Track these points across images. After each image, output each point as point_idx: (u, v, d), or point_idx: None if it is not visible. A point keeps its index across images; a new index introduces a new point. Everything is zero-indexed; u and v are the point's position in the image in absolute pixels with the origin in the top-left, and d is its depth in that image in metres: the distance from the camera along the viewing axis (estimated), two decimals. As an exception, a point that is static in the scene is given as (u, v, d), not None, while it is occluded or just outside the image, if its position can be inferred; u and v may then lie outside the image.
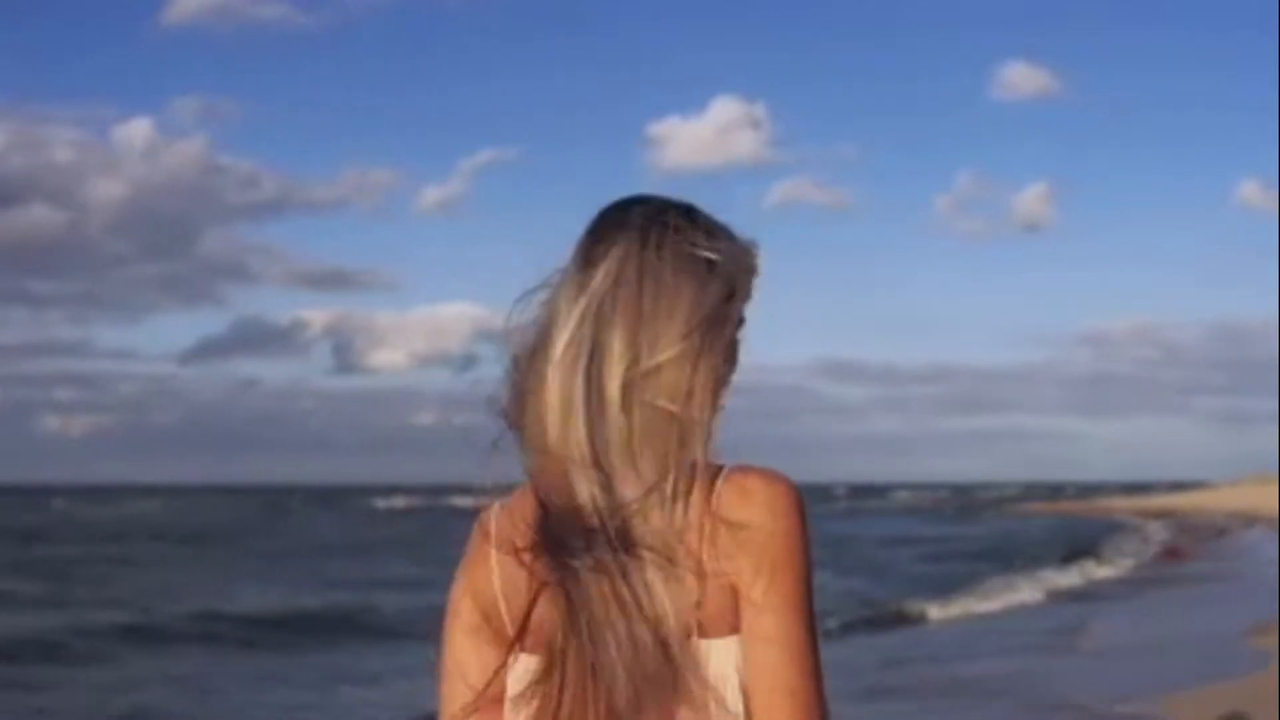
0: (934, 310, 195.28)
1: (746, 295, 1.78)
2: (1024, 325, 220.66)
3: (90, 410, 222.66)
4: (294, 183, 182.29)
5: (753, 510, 1.66)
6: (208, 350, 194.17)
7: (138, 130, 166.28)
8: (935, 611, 19.10)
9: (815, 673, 1.66)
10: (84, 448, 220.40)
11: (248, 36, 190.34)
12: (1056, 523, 56.10)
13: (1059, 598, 20.63)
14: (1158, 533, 44.13)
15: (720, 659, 1.67)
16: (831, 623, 16.77)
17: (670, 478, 1.67)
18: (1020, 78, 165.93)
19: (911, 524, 56.91)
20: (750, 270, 1.79)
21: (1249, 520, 53.08)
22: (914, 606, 19.33)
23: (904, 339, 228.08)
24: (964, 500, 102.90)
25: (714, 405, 1.72)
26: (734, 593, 1.66)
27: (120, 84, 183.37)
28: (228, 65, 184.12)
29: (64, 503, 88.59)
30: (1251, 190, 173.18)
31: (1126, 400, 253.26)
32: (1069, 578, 24.06)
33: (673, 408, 1.68)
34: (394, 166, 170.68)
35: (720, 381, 1.73)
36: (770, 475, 1.70)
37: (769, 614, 1.65)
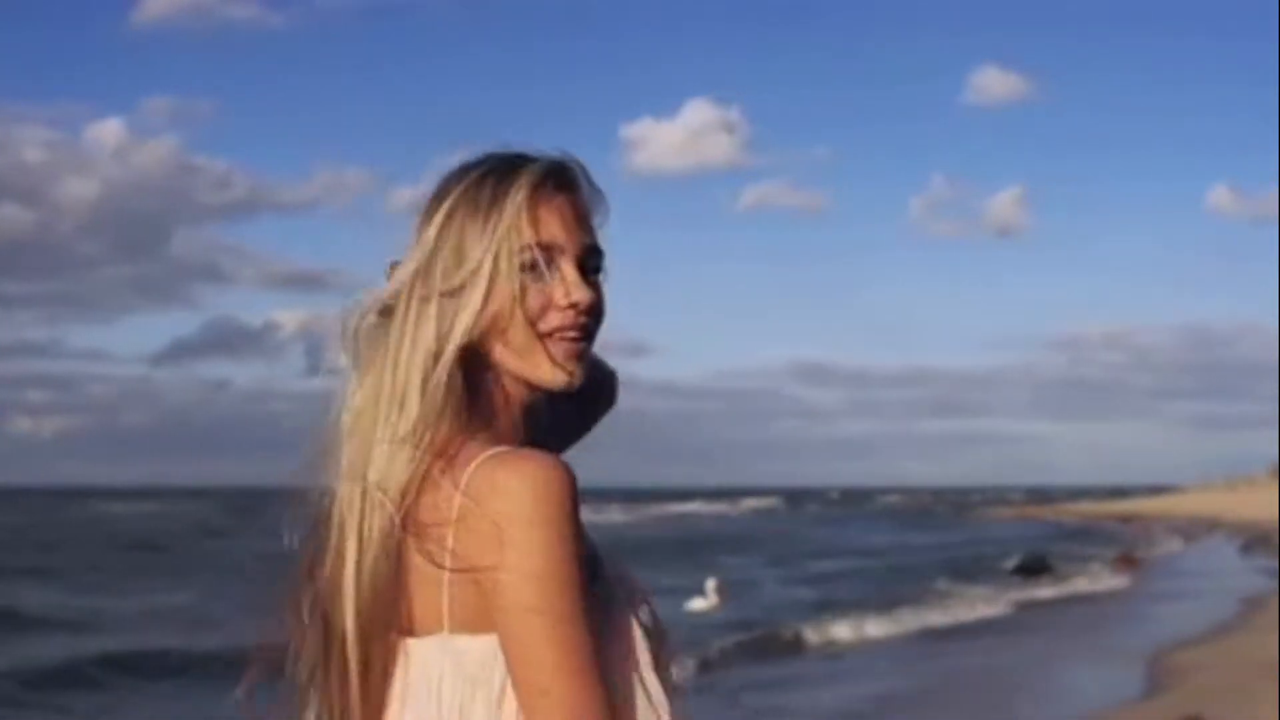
0: (907, 314, 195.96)
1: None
2: (996, 329, 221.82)
3: (61, 411, 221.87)
4: (266, 183, 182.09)
5: (499, 500, 1.56)
6: (179, 351, 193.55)
7: (109, 130, 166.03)
8: (815, 637, 17.32)
9: (574, 670, 1.54)
10: (55, 449, 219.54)
11: (219, 36, 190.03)
12: (1018, 529, 56.02)
13: (955, 631, 18.41)
14: (1116, 538, 44.00)
15: (430, 658, 1.63)
16: (710, 651, 15.27)
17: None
18: (993, 82, 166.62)
19: (866, 529, 56.72)
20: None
21: (1210, 526, 53.20)
22: (795, 630, 17.58)
23: (877, 342, 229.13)
24: (928, 504, 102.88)
25: (426, 368, 1.65)
26: (481, 588, 1.58)
27: (92, 84, 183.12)
28: (199, 65, 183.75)
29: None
30: (1222, 196, 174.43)
31: (1097, 404, 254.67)
32: (996, 599, 22.27)
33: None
34: (366, 167, 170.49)
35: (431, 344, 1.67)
36: (522, 462, 1.58)
37: (516, 610, 1.55)
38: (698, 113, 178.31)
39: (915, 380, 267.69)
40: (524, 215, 1.66)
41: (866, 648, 16.52)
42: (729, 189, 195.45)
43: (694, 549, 36.38)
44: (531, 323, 1.66)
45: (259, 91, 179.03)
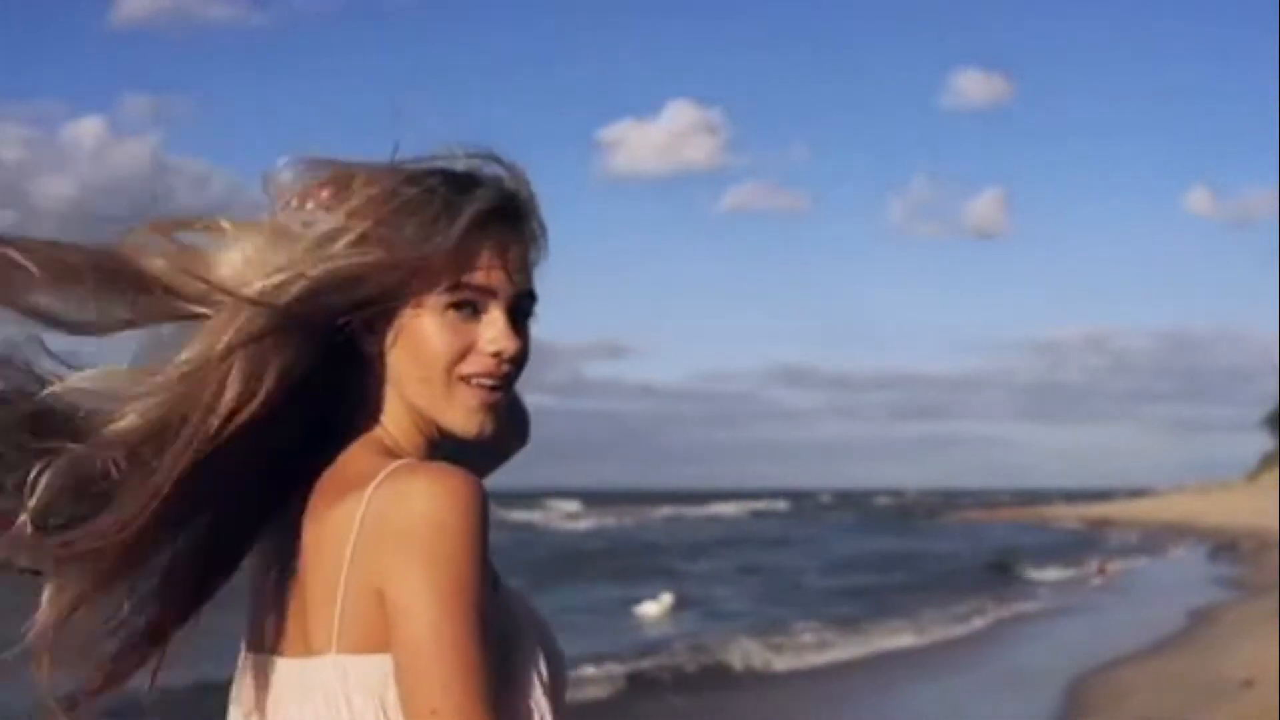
0: (887, 316, 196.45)
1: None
2: (976, 332, 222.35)
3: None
4: (245, 183, 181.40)
5: (404, 511, 1.49)
6: (156, 354, 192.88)
7: (88, 128, 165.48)
8: (762, 663, 16.25)
9: (465, 691, 1.46)
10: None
11: (199, 35, 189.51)
12: (989, 534, 55.99)
13: (886, 659, 17.05)
14: (1084, 543, 43.93)
15: (296, 678, 1.57)
16: (605, 688, 14.08)
17: None
18: (973, 84, 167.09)
19: (839, 534, 56.62)
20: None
21: (1180, 531, 53.22)
22: (730, 653, 16.63)
23: (856, 345, 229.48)
24: (903, 507, 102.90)
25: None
26: (376, 603, 1.50)
27: (70, 82, 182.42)
28: (178, 64, 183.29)
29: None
30: (1200, 199, 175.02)
31: (1075, 407, 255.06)
32: (945, 620, 20.97)
33: None
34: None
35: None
36: (430, 473, 1.52)
37: (410, 624, 1.47)
38: (679, 114, 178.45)
39: (894, 383, 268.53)
40: (465, 247, 1.57)
41: (798, 678, 15.97)
42: (710, 190, 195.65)
43: (658, 554, 36.24)
44: (450, 364, 1.59)
45: (238, 91, 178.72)
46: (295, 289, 1.55)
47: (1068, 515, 77.48)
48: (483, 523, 1.50)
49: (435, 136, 1.65)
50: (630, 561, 32.49)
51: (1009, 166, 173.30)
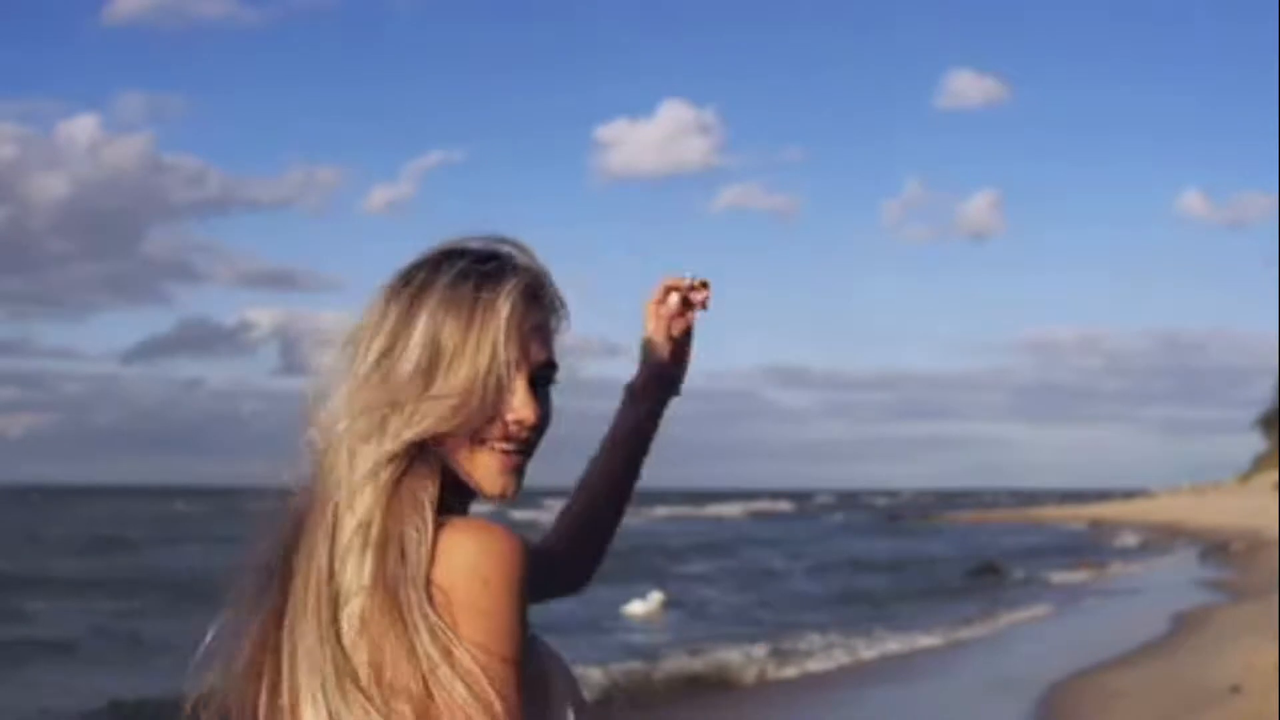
0: (881, 317, 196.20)
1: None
2: (970, 332, 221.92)
3: (31, 410, 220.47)
4: (239, 180, 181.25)
5: (447, 567, 1.59)
6: (151, 350, 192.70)
7: (82, 126, 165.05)
8: (752, 675, 15.82)
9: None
10: (24, 448, 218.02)
11: (193, 33, 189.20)
12: (983, 535, 55.95)
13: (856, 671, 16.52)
14: (1075, 545, 43.86)
15: None
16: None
17: None
18: (967, 86, 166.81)
19: (830, 537, 56.53)
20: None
21: (1172, 532, 53.13)
22: (714, 660, 16.43)
23: (851, 345, 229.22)
24: (902, 508, 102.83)
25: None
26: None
27: (64, 80, 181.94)
28: (173, 62, 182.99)
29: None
30: (1193, 201, 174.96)
31: (1069, 408, 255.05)
32: (930, 626, 20.39)
33: None
34: (340, 166, 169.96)
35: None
36: (475, 530, 1.62)
37: (452, 676, 1.55)
38: (673, 114, 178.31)
39: (888, 383, 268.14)
40: (506, 333, 1.68)
41: (774, 686, 15.64)
42: (704, 190, 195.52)
43: (651, 554, 36.11)
44: (474, 430, 1.68)
45: (232, 88, 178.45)
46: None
47: (1062, 516, 77.48)
48: (523, 578, 1.59)
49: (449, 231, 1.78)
50: (623, 562, 32.41)
51: (1003, 168, 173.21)
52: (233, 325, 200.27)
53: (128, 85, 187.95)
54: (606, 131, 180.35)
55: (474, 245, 1.74)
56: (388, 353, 1.68)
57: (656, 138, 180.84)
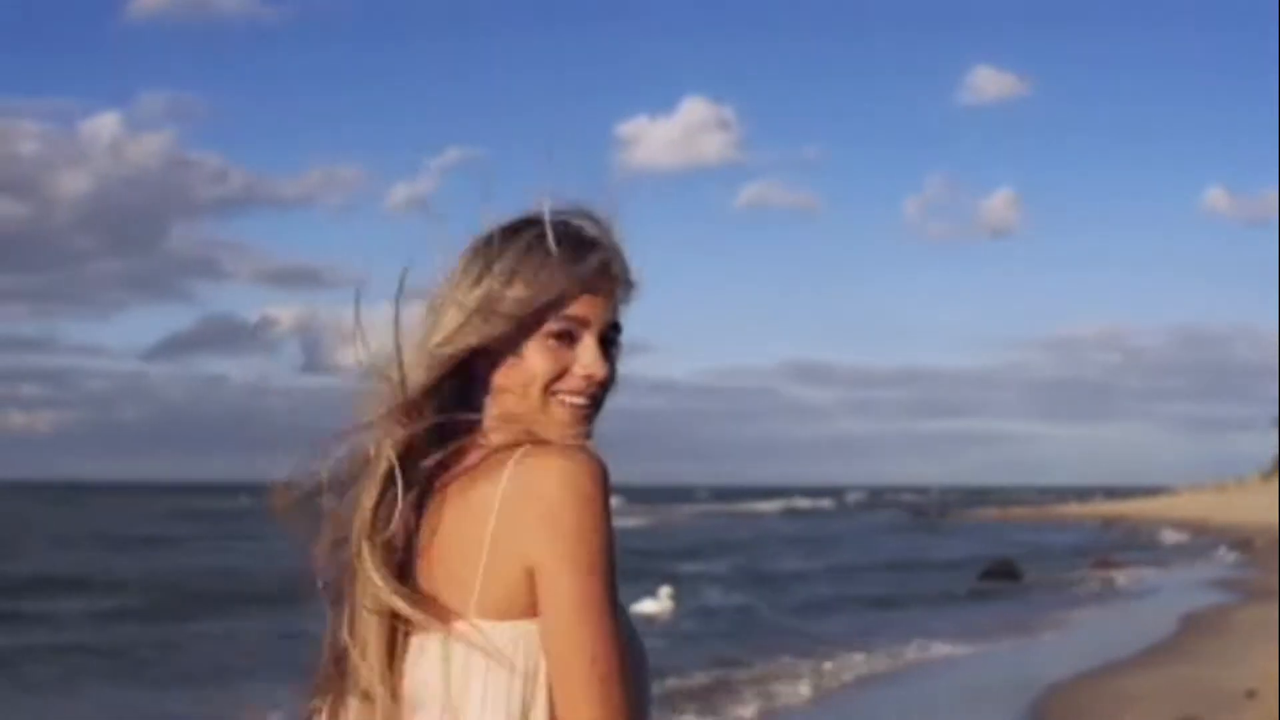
0: (902, 313, 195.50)
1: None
2: (990, 329, 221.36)
3: (56, 407, 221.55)
4: (261, 178, 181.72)
5: (540, 490, 1.71)
6: (175, 347, 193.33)
7: (105, 124, 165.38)
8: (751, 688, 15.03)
9: (609, 668, 1.67)
10: (50, 445, 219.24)
11: (215, 31, 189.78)
12: (1005, 533, 55.60)
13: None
14: (1093, 544, 43.36)
15: (433, 648, 1.75)
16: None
17: None
18: (988, 82, 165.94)
19: (853, 535, 56.21)
20: None
21: (1196, 530, 52.70)
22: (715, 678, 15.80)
23: (872, 342, 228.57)
24: (929, 506, 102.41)
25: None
26: (519, 572, 1.71)
27: (87, 77, 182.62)
28: (195, 59, 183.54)
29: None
30: (1217, 197, 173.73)
31: (1090, 405, 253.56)
32: (941, 628, 19.85)
33: None
34: (361, 163, 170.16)
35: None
36: (562, 453, 1.75)
37: (558, 598, 1.68)
38: (693, 110, 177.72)
39: (910, 379, 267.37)
40: (578, 288, 1.82)
41: (767, 693, 15.09)
42: (725, 187, 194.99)
43: (667, 555, 35.86)
44: (547, 383, 1.82)
45: (255, 86, 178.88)
46: (461, 345, 1.84)
47: (1085, 514, 77.15)
48: (608, 499, 1.73)
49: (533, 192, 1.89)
50: (636, 564, 32.10)
51: (1023, 164, 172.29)
52: (254, 321, 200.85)
53: (150, 83, 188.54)
54: (627, 128, 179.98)
55: (552, 215, 1.86)
56: (464, 310, 1.81)
57: (677, 134, 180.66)
